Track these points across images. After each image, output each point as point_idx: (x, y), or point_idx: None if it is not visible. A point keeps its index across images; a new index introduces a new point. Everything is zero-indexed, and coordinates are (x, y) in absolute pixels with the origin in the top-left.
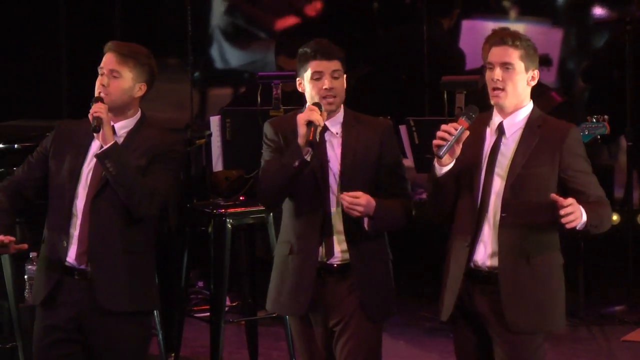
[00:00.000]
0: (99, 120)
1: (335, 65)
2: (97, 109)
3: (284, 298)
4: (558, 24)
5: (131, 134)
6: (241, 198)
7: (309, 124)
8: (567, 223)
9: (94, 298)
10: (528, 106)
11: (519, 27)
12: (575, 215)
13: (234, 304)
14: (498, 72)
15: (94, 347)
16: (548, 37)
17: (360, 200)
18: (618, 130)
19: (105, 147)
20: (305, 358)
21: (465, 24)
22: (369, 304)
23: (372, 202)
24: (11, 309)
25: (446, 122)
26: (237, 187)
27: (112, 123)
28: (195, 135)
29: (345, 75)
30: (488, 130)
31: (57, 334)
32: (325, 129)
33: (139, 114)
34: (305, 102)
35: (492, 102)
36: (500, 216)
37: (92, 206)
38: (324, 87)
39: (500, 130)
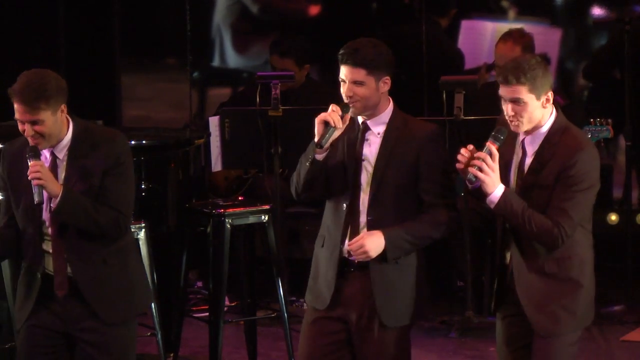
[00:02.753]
0: (40, 189)
1: (359, 73)
2: (36, 175)
3: (314, 290)
4: (557, 23)
5: (72, 151)
6: (240, 198)
7: (326, 124)
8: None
9: (90, 311)
10: (549, 120)
11: (517, 27)
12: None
13: (233, 304)
14: (510, 108)
15: (84, 351)
16: (547, 37)
17: (362, 242)
18: (617, 130)
19: (55, 202)
20: (302, 353)
21: (465, 24)
22: (383, 307)
23: (379, 236)
24: (10, 309)
25: (445, 122)
26: (236, 187)
27: (50, 150)
28: (194, 135)
29: (385, 78)
30: (518, 140)
31: (42, 336)
32: (366, 128)
33: (71, 127)
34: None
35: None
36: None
37: (62, 231)
38: (344, 94)
39: (523, 149)
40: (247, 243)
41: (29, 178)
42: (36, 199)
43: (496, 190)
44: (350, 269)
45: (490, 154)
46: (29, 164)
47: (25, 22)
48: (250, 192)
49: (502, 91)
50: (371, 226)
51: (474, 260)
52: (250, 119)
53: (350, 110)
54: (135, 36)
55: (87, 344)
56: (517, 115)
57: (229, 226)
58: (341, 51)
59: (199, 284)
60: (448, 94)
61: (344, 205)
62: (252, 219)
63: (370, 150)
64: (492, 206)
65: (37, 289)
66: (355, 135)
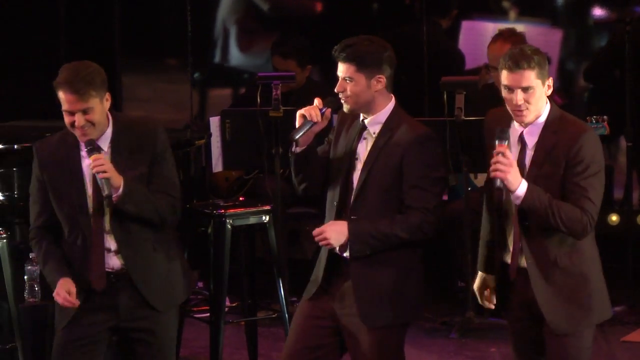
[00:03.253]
0: (108, 182)
1: (348, 69)
2: (101, 168)
3: (311, 283)
4: (558, 24)
5: (114, 143)
6: (241, 199)
7: (305, 118)
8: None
9: (140, 300)
10: (545, 110)
11: (518, 27)
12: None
13: (234, 305)
14: (520, 97)
15: (135, 338)
16: (548, 38)
17: (323, 229)
18: (618, 130)
19: (118, 193)
20: (289, 341)
21: (465, 25)
22: (360, 305)
23: (342, 226)
24: (11, 310)
25: (445, 123)
26: (237, 188)
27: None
28: (195, 136)
29: (378, 76)
30: (515, 134)
31: (83, 335)
32: (363, 127)
33: (110, 119)
34: None
35: (515, 120)
36: (522, 224)
37: (113, 224)
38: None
39: (522, 142)
40: (248, 244)
41: (93, 172)
42: (105, 191)
43: (520, 186)
44: (342, 265)
45: (503, 154)
46: (90, 157)
47: (25, 22)
48: (251, 193)
49: (510, 79)
50: None
51: (475, 260)
52: (251, 119)
53: (345, 106)
54: (135, 36)
55: (138, 332)
56: (526, 102)
57: (229, 227)
58: (335, 47)
59: (200, 284)
60: (449, 95)
61: (335, 203)
62: (252, 220)
63: (363, 149)
64: (519, 202)
65: (87, 286)
66: (355, 133)
